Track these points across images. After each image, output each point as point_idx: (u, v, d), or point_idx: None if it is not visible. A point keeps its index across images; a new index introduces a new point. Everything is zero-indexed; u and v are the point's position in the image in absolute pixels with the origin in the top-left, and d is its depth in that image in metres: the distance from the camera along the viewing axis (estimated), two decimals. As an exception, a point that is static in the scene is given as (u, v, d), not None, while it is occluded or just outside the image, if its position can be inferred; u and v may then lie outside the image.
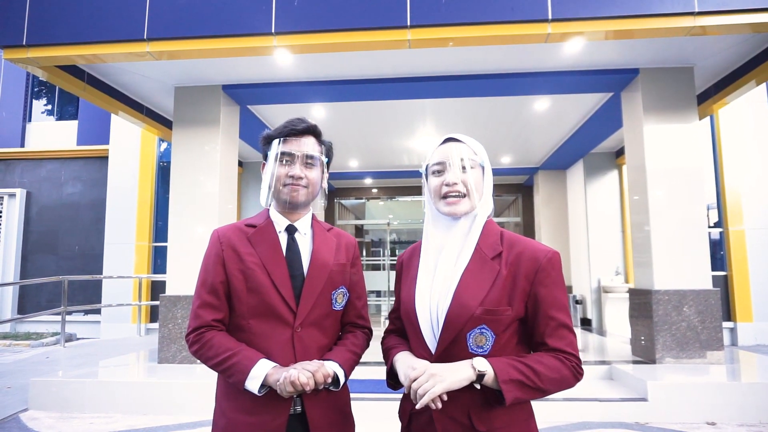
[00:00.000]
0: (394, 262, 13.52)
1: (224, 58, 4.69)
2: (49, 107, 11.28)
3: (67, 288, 7.09)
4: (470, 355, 1.19)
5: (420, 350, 1.27)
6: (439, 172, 1.30)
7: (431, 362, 1.21)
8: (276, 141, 1.46)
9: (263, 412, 1.31)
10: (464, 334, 1.19)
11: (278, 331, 1.36)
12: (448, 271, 1.25)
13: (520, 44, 4.30)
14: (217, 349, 1.33)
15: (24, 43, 4.21)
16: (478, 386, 1.15)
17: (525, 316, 1.23)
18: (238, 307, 1.39)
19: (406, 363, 1.25)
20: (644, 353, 4.98)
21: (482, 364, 1.14)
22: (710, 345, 4.67)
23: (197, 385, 4.25)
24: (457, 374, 1.13)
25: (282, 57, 4.69)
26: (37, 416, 4.13)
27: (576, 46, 4.55)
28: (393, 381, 1.36)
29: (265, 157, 1.48)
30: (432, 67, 5.07)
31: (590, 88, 5.48)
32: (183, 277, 5.21)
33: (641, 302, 5.01)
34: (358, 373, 5.02)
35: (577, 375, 1.19)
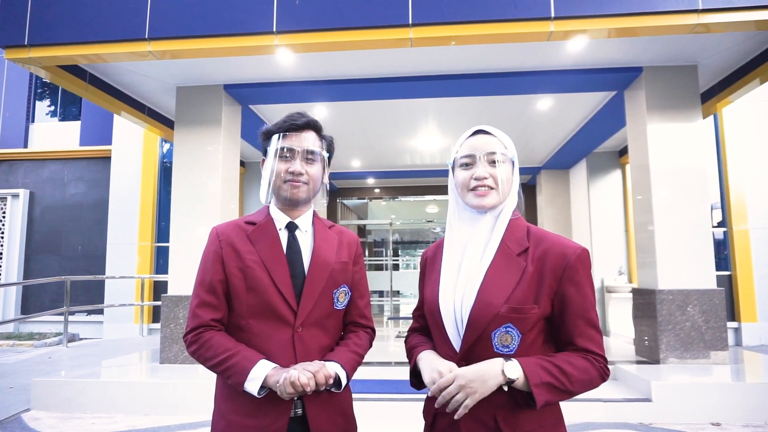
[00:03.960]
0: (397, 263, 13.53)
1: (226, 58, 4.69)
2: (52, 108, 11.31)
3: (69, 288, 7.10)
4: (495, 354, 1.16)
5: (444, 348, 1.24)
6: (468, 165, 1.26)
7: (455, 360, 1.19)
8: (276, 136, 1.42)
9: (263, 414, 1.28)
10: (489, 333, 1.16)
11: (278, 331, 1.33)
12: (472, 267, 1.21)
13: (522, 42, 4.27)
14: (215, 349, 1.30)
15: (26, 42, 4.21)
16: (506, 388, 1.12)
17: (552, 314, 1.19)
18: (238, 306, 1.36)
19: (430, 365, 1.21)
20: (648, 353, 4.95)
21: (513, 371, 1.10)
22: (715, 345, 4.64)
23: (199, 386, 4.25)
24: (487, 384, 1.10)
25: (283, 56, 4.68)
26: (39, 416, 4.13)
27: (579, 44, 4.53)
28: (416, 380, 1.34)
29: (265, 153, 1.45)
30: (434, 66, 5.06)
31: (593, 86, 5.45)
32: (185, 278, 5.21)
33: (645, 302, 4.98)
34: (361, 373, 5.01)
35: (604, 376, 1.16)
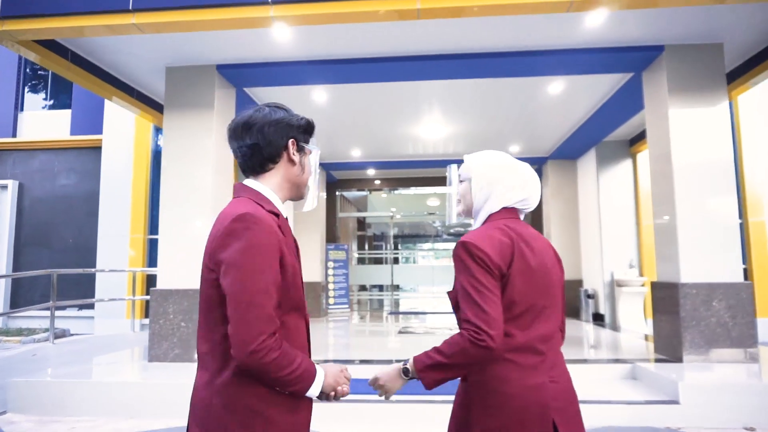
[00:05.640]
0: (397, 256, 13.25)
1: (218, 34, 4.36)
2: (42, 96, 10.97)
3: (56, 282, 6.76)
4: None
5: None
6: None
7: None
8: (314, 140, 1.45)
9: (302, 409, 1.30)
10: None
11: (301, 323, 1.35)
12: None
13: (541, 14, 3.94)
14: (291, 356, 1.22)
15: (-2, 14, 3.87)
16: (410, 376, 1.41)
17: None
18: (283, 303, 1.28)
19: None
20: (669, 351, 4.65)
21: (409, 364, 1.40)
22: (742, 342, 4.34)
23: (189, 386, 3.93)
24: (393, 378, 1.44)
25: (280, 31, 4.34)
26: (16, 419, 3.82)
27: (598, 18, 4.20)
28: None
29: (296, 146, 1.38)
30: (441, 45, 4.72)
31: (610, 67, 5.13)
32: (175, 271, 4.89)
33: (666, 296, 4.68)
34: (360, 372, 4.69)
35: (474, 341, 1.26)
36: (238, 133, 1.33)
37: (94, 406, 3.96)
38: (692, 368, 4.17)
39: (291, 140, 1.35)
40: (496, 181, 1.47)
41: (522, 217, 1.50)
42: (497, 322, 1.27)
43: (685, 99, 4.71)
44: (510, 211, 1.46)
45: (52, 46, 4.49)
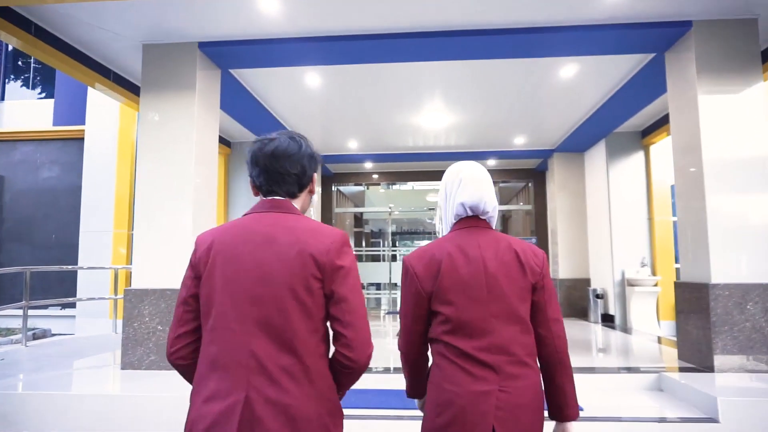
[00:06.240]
0: (395, 253, 12.80)
1: (198, 6, 3.91)
2: (25, 86, 10.49)
3: (29, 280, 6.29)
4: None
5: None
6: None
7: None
8: None
9: None
10: None
11: None
12: None
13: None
14: None
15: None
16: None
17: None
18: None
19: None
20: (697, 358, 4.21)
21: None
22: (780, 350, 3.91)
23: (167, 399, 3.47)
24: None
25: (266, 1, 3.88)
26: (-36, 438, 3.37)
27: (624, -13, 3.76)
28: None
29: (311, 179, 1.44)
30: (445, 19, 4.26)
31: (630, 46, 4.68)
32: (151, 269, 4.43)
33: (693, 298, 4.24)
34: (369, 383, 4.24)
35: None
36: (277, 158, 1.34)
37: (54, 423, 3.49)
38: (728, 379, 3.74)
39: (314, 174, 1.44)
40: (442, 194, 1.56)
41: (493, 224, 1.48)
42: (403, 332, 1.49)
43: (715, 82, 4.26)
44: (468, 220, 1.47)
45: (11, 17, 4.02)
